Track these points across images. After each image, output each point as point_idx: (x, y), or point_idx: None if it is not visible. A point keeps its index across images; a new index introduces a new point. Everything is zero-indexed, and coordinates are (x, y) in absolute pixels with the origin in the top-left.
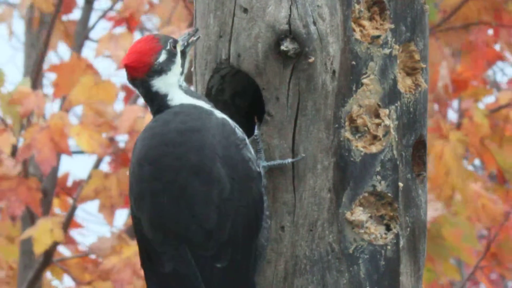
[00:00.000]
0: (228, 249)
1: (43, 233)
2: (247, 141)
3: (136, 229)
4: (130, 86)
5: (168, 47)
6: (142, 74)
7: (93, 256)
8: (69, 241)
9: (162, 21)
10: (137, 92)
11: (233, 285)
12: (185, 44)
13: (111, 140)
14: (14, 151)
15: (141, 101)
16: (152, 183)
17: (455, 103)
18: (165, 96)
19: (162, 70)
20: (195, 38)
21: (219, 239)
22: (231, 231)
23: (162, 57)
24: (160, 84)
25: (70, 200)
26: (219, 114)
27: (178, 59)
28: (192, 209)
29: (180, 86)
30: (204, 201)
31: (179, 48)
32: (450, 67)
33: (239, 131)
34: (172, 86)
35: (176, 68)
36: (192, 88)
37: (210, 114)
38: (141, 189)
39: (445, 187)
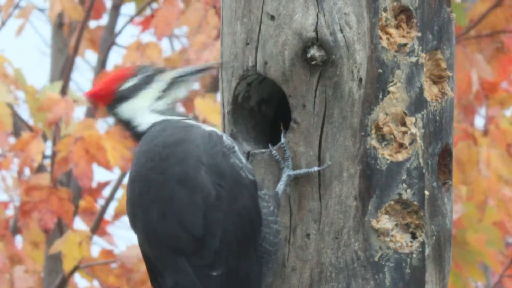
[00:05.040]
0: (222, 256)
1: (72, 248)
2: (237, 149)
3: (140, 249)
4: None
5: (145, 74)
6: (105, 102)
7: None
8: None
9: (191, 29)
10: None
11: None
12: (183, 75)
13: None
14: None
15: None
16: (141, 200)
17: (482, 110)
18: (130, 122)
19: (126, 96)
20: (203, 71)
21: (211, 246)
22: (223, 238)
23: (129, 83)
24: (124, 110)
25: (96, 204)
26: (205, 127)
27: (156, 85)
28: (179, 218)
29: (153, 110)
30: (190, 208)
31: (166, 76)
32: (482, 73)
33: (227, 140)
34: (139, 111)
35: (148, 93)
36: (218, 95)
37: (194, 127)
38: (133, 208)
39: (476, 192)
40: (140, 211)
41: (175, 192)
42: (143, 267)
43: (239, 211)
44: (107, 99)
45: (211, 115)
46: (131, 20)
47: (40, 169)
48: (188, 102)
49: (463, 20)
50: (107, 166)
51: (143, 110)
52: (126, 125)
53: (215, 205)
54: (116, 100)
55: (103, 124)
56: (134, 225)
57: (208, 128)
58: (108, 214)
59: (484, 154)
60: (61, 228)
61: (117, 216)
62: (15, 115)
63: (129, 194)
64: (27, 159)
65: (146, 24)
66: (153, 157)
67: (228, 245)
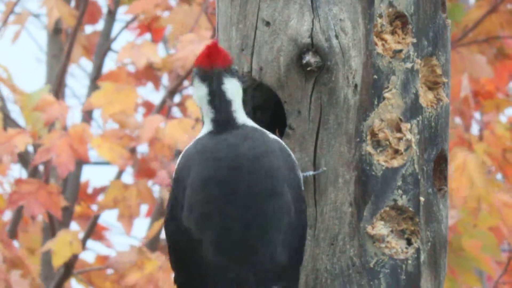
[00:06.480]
0: (288, 270)
1: (62, 246)
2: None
3: (183, 245)
4: (198, 82)
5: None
6: (223, 65)
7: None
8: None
9: (176, 29)
10: (204, 90)
11: None
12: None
13: (132, 151)
14: (27, 157)
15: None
16: (222, 205)
17: (477, 116)
18: (230, 103)
19: (235, 75)
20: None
21: (280, 262)
22: (290, 252)
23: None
24: (230, 86)
25: (92, 207)
26: (272, 135)
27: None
28: (263, 234)
29: (241, 106)
30: (276, 227)
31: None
32: (482, 74)
33: (290, 151)
34: (237, 98)
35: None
36: None
37: (269, 138)
38: (209, 210)
39: (469, 199)
40: (218, 216)
41: (265, 207)
42: (134, 274)
43: (302, 226)
44: (224, 64)
45: None
46: (127, 25)
47: (33, 172)
48: (180, 104)
49: (460, 18)
50: (87, 159)
51: (239, 101)
52: (223, 100)
53: (291, 222)
54: (230, 71)
55: (98, 130)
56: (203, 226)
57: (274, 137)
58: (103, 220)
59: (460, 158)
60: (53, 230)
61: (101, 208)
62: (8, 119)
63: (201, 194)
64: (9, 147)
65: (141, 26)
66: (238, 167)
67: (293, 260)
